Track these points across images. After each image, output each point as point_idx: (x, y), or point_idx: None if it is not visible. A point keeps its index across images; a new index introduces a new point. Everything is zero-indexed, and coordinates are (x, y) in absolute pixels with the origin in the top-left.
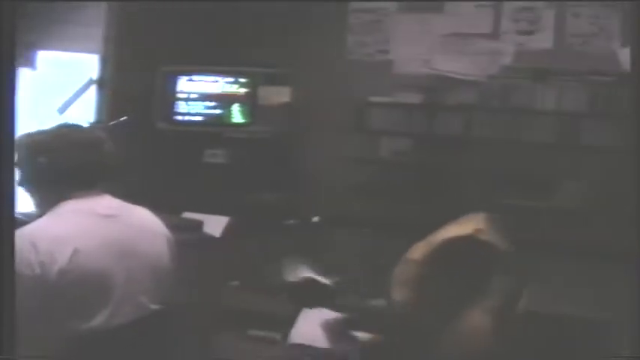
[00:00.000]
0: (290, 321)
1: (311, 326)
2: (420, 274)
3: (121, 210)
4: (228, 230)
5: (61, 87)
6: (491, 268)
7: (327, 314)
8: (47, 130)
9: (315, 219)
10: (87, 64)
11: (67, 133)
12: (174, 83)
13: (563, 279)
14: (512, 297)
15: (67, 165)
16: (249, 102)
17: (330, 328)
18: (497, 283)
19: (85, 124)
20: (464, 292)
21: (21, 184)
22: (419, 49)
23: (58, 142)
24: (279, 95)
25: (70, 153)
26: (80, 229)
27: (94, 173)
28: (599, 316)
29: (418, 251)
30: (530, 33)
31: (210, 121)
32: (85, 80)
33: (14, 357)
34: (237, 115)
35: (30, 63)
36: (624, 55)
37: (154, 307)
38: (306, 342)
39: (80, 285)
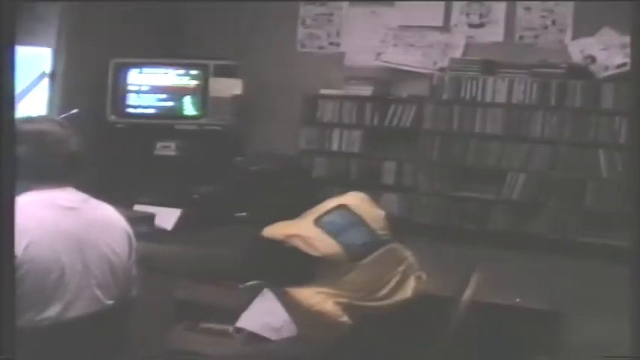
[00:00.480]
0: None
1: (262, 312)
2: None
3: (82, 203)
4: (179, 223)
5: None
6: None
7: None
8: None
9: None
10: (39, 58)
11: (34, 126)
12: (126, 76)
13: (511, 269)
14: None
15: (34, 158)
16: (200, 94)
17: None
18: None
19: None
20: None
21: None
22: (370, 42)
23: (26, 135)
24: (230, 87)
25: (38, 146)
26: (38, 221)
27: (61, 167)
28: (543, 306)
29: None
30: (480, 26)
31: (162, 113)
32: (38, 74)
33: (14, 357)
34: (188, 107)
35: None
36: (575, 48)
37: (109, 302)
38: (254, 328)
39: (35, 276)
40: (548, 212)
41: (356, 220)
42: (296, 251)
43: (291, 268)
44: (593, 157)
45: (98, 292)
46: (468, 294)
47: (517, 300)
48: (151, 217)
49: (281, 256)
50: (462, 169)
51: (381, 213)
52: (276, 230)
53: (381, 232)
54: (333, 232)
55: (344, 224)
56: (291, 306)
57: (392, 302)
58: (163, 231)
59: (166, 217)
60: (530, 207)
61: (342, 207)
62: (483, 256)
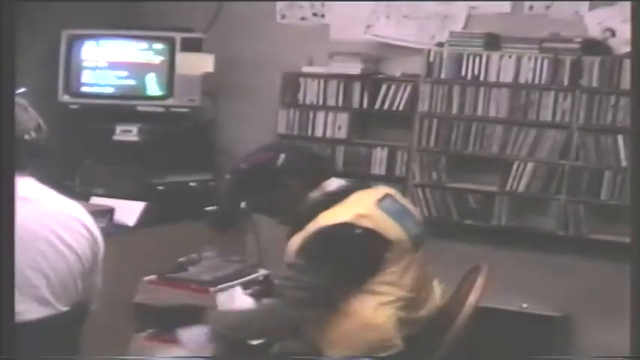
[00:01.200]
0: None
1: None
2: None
3: (38, 194)
4: (142, 218)
5: None
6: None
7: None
8: None
9: (243, 204)
10: None
11: None
12: (80, 49)
13: (516, 269)
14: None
15: None
16: (165, 71)
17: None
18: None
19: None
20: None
21: None
22: (359, 13)
23: None
24: (199, 64)
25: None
26: None
27: (19, 154)
28: (553, 312)
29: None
30: None
31: (122, 93)
32: None
33: (14, 357)
34: (152, 86)
35: None
36: (592, 19)
37: (63, 308)
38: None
39: None
40: (559, 206)
41: (404, 210)
42: (367, 234)
43: (361, 256)
44: (611, 143)
45: (49, 296)
46: (472, 298)
47: (524, 306)
48: (109, 212)
49: (351, 242)
50: (462, 157)
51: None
52: (338, 213)
53: (422, 225)
54: (394, 216)
55: (398, 211)
56: (348, 316)
57: (429, 313)
58: (124, 227)
59: (127, 212)
60: (538, 200)
61: (388, 195)
62: (485, 255)
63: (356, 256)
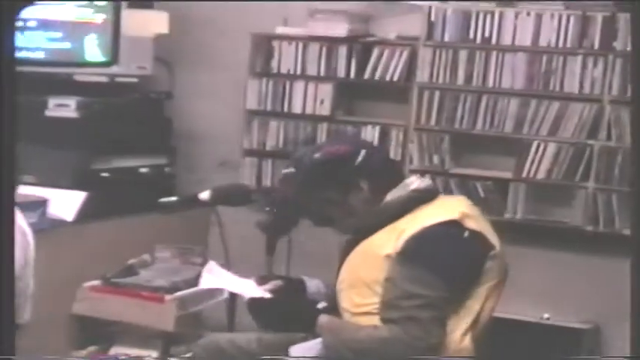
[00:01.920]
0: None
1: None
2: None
3: None
4: (82, 211)
5: None
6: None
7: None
8: None
9: (204, 195)
10: None
11: None
12: None
13: (536, 272)
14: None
15: None
16: (109, 33)
17: None
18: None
19: None
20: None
21: None
22: None
23: None
24: (151, 24)
25: None
26: None
27: None
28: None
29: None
30: None
31: (56, 59)
32: None
33: (14, 357)
34: (92, 50)
35: None
36: None
37: None
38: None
39: None
40: (586, 196)
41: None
42: (475, 236)
43: (468, 261)
44: None
45: None
46: (489, 306)
47: (545, 316)
48: (42, 204)
49: (462, 243)
50: (469, 137)
51: None
52: (437, 212)
53: None
54: (489, 225)
55: (488, 222)
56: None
57: None
58: (60, 222)
59: (64, 203)
60: (562, 189)
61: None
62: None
63: (464, 261)
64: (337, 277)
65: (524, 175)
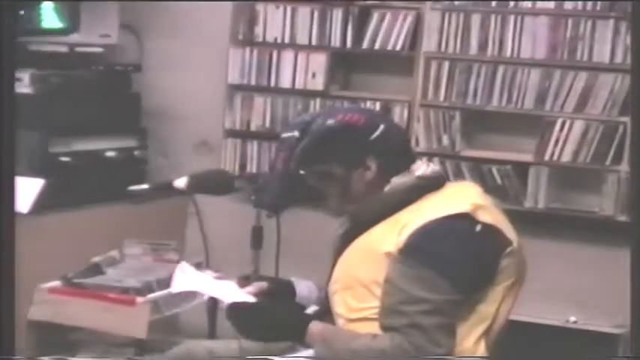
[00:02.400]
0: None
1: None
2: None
3: None
4: (39, 200)
5: None
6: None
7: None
8: None
9: (180, 182)
10: None
11: None
12: None
13: (560, 269)
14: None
15: None
16: None
17: None
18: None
19: None
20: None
21: None
22: None
23: None
24: None
25: None
26: None
27: None
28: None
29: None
30: None
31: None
32: None
33: (14, 357)
34: (48, 16)
35: None
36: None
37: None
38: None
39: None
40: (617, 181)
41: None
42: (489, 230)
43: (481, 259)
44: None
45: None
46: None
47: (572, 319)
48: None
49: (474, 240)
50: (483, 115)
51: None
52: (446, 203)
53: None
54: (505, 217)
55: (504, 214)
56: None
57: None
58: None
59: (19, 193)
60: (590, 174)
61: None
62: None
63: (475, 259)
64: (330, 277)
65: (546, 157)
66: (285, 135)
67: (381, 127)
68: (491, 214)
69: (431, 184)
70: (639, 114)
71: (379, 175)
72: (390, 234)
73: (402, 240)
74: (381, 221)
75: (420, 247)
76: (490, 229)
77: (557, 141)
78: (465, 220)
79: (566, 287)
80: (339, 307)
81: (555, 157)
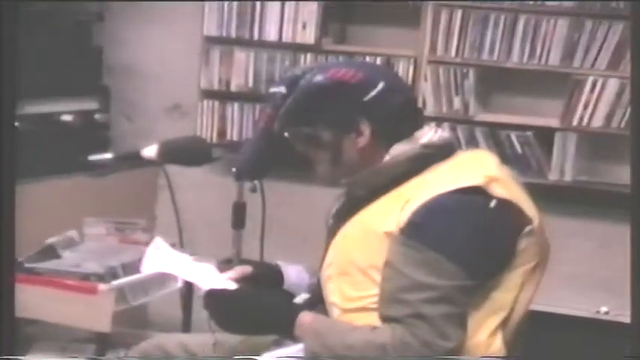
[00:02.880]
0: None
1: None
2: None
3: None
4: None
5: None
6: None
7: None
8: None
9: (148, 151)
10: None
11: None
12: None
13: (590, 251)
14: None
15: None
16: None
17: None
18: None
19: None
20: None
21: None
22: None
23: None
24: None
25: None
26: None
27: None
28: None
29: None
30: None
31: None
32: None
33: (14, 357)
34: None
35: None
36: None
37: None
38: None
39: None
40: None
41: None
42: (505, 206)
43: (496, 239)
44: None
45: None
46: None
47: (603, 310)
48: None
49: (489, 217)
50: (501, 72)
51: None
52: (456, 175)
53: None
54: (525, 191)
55: (523, 187)
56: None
57: None
58: None
59: None
60: (624, 141)
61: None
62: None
63: (489, 240)
64: (323, 260)
65: (574, 122)
66: (271, 90)
67: (380, 85)
68: (508, 188)
69: (438, 154)
70: (639, 115)
71: (375, 143)
72: (391, 211)
73: (405, 218)
74: (381, 196)
75: (425, 226)
76: (506, 205)
77: (587, 103)
78: (477, 194)
79: (596, 272)
80: (333, 295)
81: (585, 122)
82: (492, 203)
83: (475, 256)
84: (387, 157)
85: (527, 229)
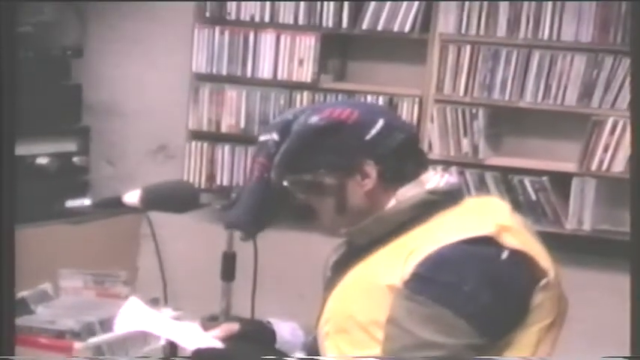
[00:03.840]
0: None
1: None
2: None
3: None
4: None
5: None
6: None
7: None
8: None
9: (131, 197)
10: None
11: None
12: None
13: (610, 308)
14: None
15: None
16: None
17: None
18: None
19: None
20: None
21: None
22: None
23: None
24: None
25: None
26: None
27: None
28: None
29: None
30: None
31: None
32: None
33: (14, 357)
34: None
35: None
36: None
37: None
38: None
39: None
40: None
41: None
42: (517, 259)
43: (507, 295)
44: None
45: None
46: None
47: None
48: None
49: (500, 270)
50: (514, 113)
51: None
52: (464, 223)
53: None
54: (538, 241)
55: (537, 236)
56: None
57: None
58: None
59: None
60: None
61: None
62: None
63: (502, 294)
64: (320, 315)
65: (593, 167)
66: (262, 138)
67: (380, 122)
68: (521, 238)
69: (445, 200)
70: (639, 115)
71: (381, 185)
72: (394, 263)
73: (409, 270)
74: (383, 246)
75: (431, 279)
76: (520, 256)
77: (606, 146)
78: (487, 245)
79: (618, 330)
80: (330, 353)
81: (605, 167)
82: (504, 254)
83: (486, 312)
84: (392, 203)
85: (543, 282)
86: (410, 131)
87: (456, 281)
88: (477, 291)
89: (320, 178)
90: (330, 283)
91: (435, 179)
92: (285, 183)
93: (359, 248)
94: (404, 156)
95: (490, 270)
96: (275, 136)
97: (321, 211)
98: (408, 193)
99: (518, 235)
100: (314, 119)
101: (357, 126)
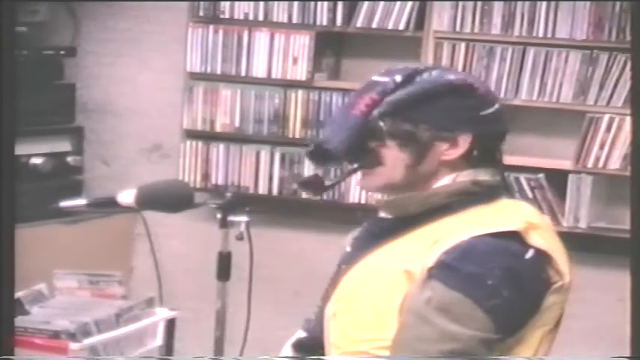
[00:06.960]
0: None
1: None
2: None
3: None
4: None
5: None
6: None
7: None
8: None
9: (125, 197)
10: None
11: None
12: None
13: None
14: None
15: None
16: None
17: None
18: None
19: None
20: None
21: None
22: None
23: None
24: None
25: None
26: None
27: None
28: None
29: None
30: None
31: None
32: None
33: (14, 357)
34: None
35: None
36: None
37: None
38: None
39: None
40: None
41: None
42: (541, 257)
43: (527, 291)
44: None
45: None
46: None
47: None
48: None
49: (524, 266)
50: (508, 110)
51: None
52: (494, 218)
53: None
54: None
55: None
56: None
57: None
58: None
59: None
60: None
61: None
62: None
63: (522, 291)
64: (329, 294)
65: (589, 164)
66: (379, 78)
67: (497, 104)
68: (545, 238)
69: (483, 195)
70: (639, 115)
71: (457, 161)
72: (417, 250)
73: (433, 258)
74: (408, 232)
75: (456, 268)
76: (542, 257)
77: (602, 143)
78: (514, 241)
79: (614, 329)
80: (335, 334)
81: (601, 164)
82: (529, 253)
83: (504, 308)
84: (442, 182)
85: (558, 284)
86: (507, 126)
87: (481, 273)
88: (500, 286)
89: (417, 131)
90: (348, 259)
91: (484, 173)
92: (381, 122)
93: (383, 230)
94: (496, 146)
95: (514, 267)
96: (398, 79)
97: (388, 164)
98: (458, 179)
99: (544, 235)
100: (450, 76)
101: (481, 99)
